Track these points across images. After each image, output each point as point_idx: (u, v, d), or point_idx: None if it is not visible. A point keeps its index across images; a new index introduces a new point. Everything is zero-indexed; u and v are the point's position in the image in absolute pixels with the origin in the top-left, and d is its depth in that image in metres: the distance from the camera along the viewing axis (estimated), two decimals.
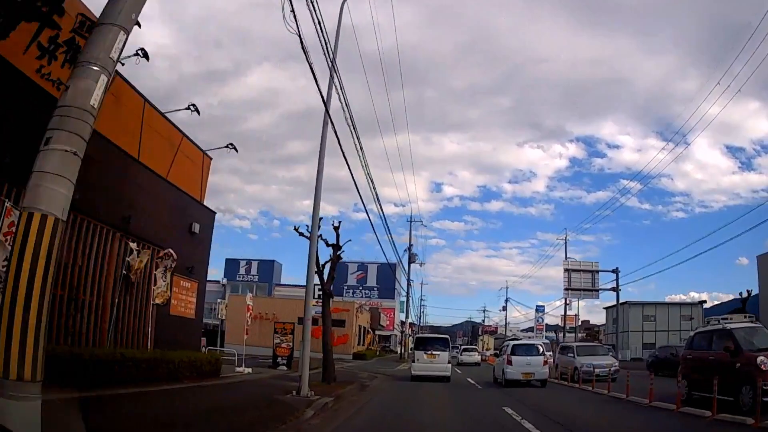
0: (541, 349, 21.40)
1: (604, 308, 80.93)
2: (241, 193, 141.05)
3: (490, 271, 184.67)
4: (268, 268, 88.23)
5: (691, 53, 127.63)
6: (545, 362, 21.02)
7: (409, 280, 51.95)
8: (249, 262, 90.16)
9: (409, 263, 51.71)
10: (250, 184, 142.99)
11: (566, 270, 44.20)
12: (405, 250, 50.96)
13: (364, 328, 52.65)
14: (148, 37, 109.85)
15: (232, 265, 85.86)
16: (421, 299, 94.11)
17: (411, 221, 53.09)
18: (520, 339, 36.78)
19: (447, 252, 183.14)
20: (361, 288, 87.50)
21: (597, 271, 45.16)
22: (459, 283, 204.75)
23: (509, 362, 20.21)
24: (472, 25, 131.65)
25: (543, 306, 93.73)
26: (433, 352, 22.07)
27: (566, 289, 43.79)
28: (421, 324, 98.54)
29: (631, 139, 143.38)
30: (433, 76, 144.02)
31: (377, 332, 67.13)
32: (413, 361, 23.01)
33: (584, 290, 44.42)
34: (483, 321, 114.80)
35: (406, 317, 51.68)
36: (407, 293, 51.98)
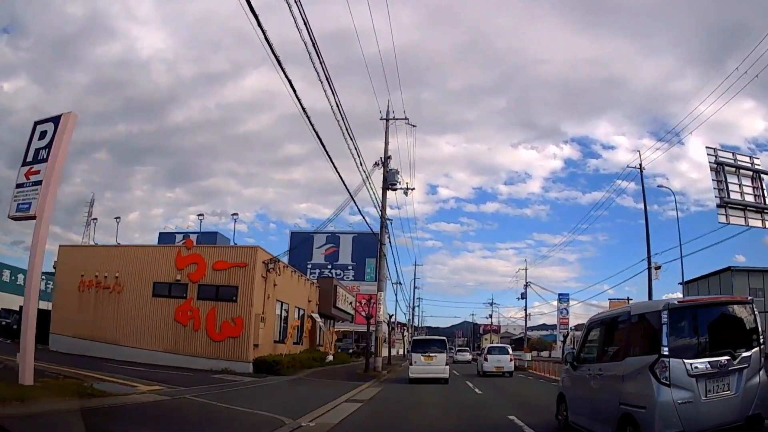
0: (509, 350, 30.37)
1: (680, 284, 58.16)
2: (237, 196, 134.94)
3: (487, 272, 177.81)
4: (209, 243, 66.44)
5: (689, 53, 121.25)
6: (512, 359, 29.28)
7: (383, 219, 28.18)
8: (186, 235, 67.94)
9: (384, 189, 28.04)
10: (248, 187, 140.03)
11: (717, 166, 20.57)
12: (375, 165, 27.33)
13: (300, 310, 28.87)
14: (145, 42, 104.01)
15: (166, 239, 63.41)
16: (415, 285, 71.47)
17: (387, 119, 29.55)
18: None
19: (443, 253, 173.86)
20: (330, 267, 64.63)
21: (763, 173, 21.79)
22: (456, 284, 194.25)
23: (486, 359, 28.61)
24: (471, 26, 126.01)
25: (567, 294, 75.33)
26: (431, 354, 22.20)
27: (721, 205, 20.11)
28: (413, 321, 76.96)
29: (626, 140, 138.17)
30: (431, 77, 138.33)
31: (338, 325, 43.37)
32: (410, 364, 22.80)
33: (750, 207, 20.92)
34: (491, 315, 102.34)
35: (378, 289, 27.67)
36: (379, 241, 28.06)
